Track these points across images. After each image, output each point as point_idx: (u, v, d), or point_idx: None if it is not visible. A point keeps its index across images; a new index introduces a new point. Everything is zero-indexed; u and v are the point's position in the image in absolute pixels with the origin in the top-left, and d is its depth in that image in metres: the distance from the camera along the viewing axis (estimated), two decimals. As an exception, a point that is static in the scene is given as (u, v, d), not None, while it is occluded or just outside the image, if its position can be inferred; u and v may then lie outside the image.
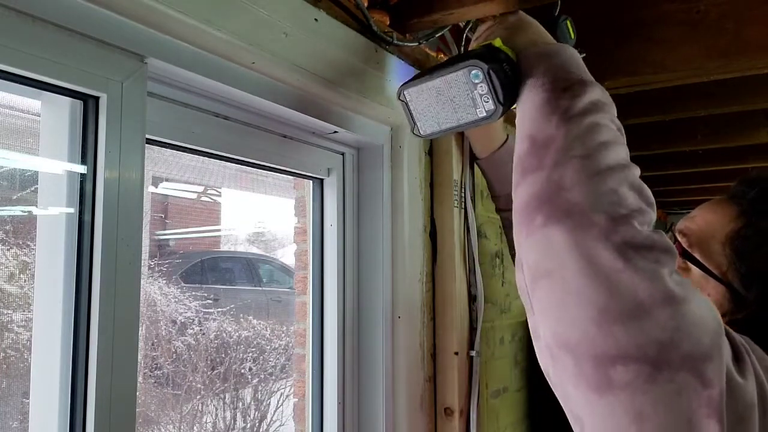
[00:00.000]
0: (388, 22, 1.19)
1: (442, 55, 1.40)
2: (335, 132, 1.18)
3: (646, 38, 1.44)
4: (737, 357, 0.63)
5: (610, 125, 0.71)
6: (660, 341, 0.57)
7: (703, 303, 0.61)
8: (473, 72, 0.80)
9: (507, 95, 0.80)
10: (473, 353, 1.33)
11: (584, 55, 1.31)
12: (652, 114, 2.01)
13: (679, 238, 0.86)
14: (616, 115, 0.75)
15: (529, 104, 0.75)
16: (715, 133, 2.28)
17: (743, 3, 1.34)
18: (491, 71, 0.79)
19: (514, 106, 0.83)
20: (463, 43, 1.38)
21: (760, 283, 0.77)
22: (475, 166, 1.35)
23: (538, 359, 0.70)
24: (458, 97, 0.83)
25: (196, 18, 0.78)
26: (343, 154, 1.27)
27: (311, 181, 1.26)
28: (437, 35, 1.27)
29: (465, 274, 1.35)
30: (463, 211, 1.36)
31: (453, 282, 1.31)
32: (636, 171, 0.69)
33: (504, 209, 1.26)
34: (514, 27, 0.87)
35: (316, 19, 0.98)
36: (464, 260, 1.35)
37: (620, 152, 0.69)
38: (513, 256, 1.20)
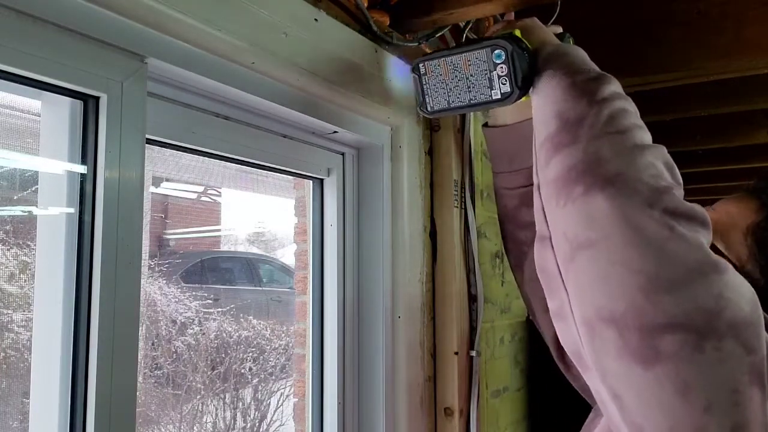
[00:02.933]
0: (388, 23, 1.19)
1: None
2: (335, 132, 1.18)
3: (645, 38, 1.44)
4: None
5: (635, 113, 0.74)
6: (707, 309, 0.57)
7: (737, 274, 0.62)
8: (496, 51, 0.81)
9: (526, 81, 0.81)
10: (473, 353, 1.33)
11: (584, 55, 1.31)
12: (652, 114, 2.01)
13: None
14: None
15: (551, 90, 0.76)
16: (715, 133, 2.28)
17: (743, 3, 1.34)
18: (515, 53, 0.80)
19: (524, 98, 0.84)
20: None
21: None
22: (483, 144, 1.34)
23: (563, 341, 0.69)
24: (475, 76, 0.83)
25: (196, 18, 0.78)
26: (343, 154, 1.27)
27: (311, 181, 1.26)
28: (437, 35, 1.27)
29: (465, 274, 1.35)
30: (463, 211, 1.36)
31: (453, 282, 1.31)
32: (666, 152, 0.70)
33: (521, 186, 1.04)
34: (528, 26, 0.90)
35: (316, 20, 0.98)
36: (464, 260, 1.35)
37: (649, 136, 0.72)
38: (507, 244, 1.12)
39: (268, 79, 0.96)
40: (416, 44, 1.24)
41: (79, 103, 0.76)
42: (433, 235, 1.34)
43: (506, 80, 0.81)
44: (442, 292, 1.32)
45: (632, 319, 0.59)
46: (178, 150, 0.97)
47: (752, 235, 0.79)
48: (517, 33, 0.84)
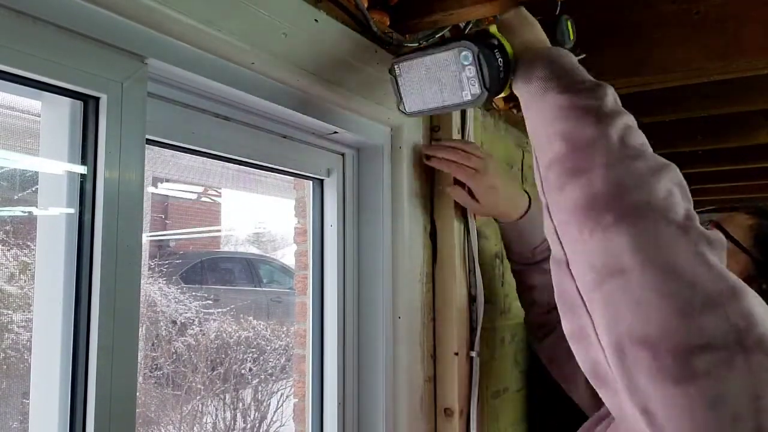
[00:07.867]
0: (388, 23, 1.19)
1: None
2: (335, 132, 1.18)
3: (645, 39, 1.44)
4: None
5: (634, 124, 0.75)
6: (739, 327, 0.60)
7: (755, 293, 0.66)
8: (463, 53, 0.80)
9: (494, 82, 0.80)
10: (473, 354, 1.33)
11: (584, 56, 1.31)
12: (652, 114, 2.01)
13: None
14: None
15: (547, 107, 0.76)
16: (715, 133, 2.28)
17: (743, 4, 1.34)
18: (481, 55, 0.79)
19: (501, 95, 0.83)
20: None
21: None
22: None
23: (580, 361, 0.70)
24: (446, 77, 0.83)
25: (196, 18, 0.78)
26: (343, 154, 1.27)
27: (311, 182, 1.26)
28: (437, 36, 1.27)
29: (465, 274, 1.35)
30: (463, 211, 1.36)
31: (453, 282, 1.31)
32: (677, 171, 0.72)
33: (524, 263, 1.33)
34: (508, 24, 0.88)
35: (316, 20, 0.98)
36: (464, 261, 1.35)
37: (656, 155, 0.73)
38: (521, 294, 1.35)
39: (268, 80, 0.96)
40: (416, 45, 1.24)
41: (79, 104, 0.76)
42: (433, 235, 1.34)
43: (475, 82, 0.81)
44: (442, 292, 1.32)
45: (667, 341, 0.61)
46: (178, 150, 0.97)
47: (750, 231, 1.04)
48: (493, 30, 0.83)
